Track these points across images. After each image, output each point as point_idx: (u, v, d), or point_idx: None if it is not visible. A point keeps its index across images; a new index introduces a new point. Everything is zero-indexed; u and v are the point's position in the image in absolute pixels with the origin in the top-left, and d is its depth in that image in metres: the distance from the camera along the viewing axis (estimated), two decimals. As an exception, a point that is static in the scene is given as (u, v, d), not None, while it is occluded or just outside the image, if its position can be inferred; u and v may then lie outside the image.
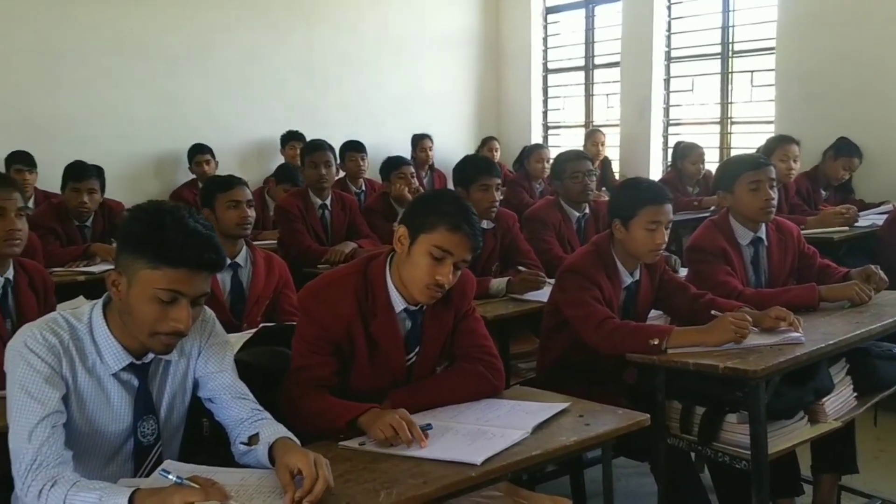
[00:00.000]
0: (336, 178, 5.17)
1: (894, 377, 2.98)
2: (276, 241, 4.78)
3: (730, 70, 6.98)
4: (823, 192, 5.55)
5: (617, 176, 7.30)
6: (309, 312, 2.25)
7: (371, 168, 6.14)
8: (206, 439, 2.16)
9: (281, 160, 6.75)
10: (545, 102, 8.50)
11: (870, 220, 4.98)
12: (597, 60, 8.00)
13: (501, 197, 3.81)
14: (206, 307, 1.95)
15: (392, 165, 5.14)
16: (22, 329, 1.81)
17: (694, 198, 6.00)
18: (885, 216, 4.86)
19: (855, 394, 2.86)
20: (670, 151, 6.86)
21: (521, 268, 3.65)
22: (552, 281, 3.14)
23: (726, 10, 6.87)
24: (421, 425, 1.97)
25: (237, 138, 6.90)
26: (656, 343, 2.57)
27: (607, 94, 7.98)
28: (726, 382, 2.50)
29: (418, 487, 1.74)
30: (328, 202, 4.85)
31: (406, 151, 6.89)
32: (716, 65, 7.04)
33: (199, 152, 6.42)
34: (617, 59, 7.63)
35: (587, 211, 4.20)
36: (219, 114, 6.74)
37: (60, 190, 4.76)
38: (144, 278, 1.75)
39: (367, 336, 2.22)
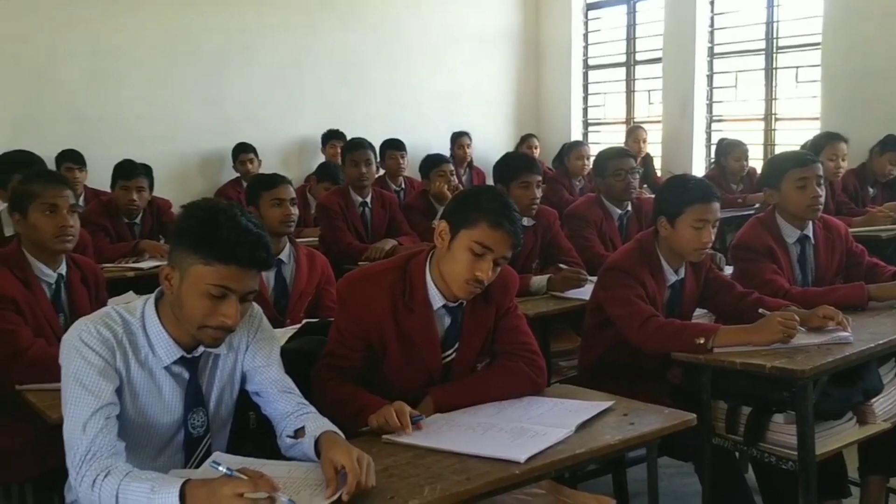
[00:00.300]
0: (376, 176, 5.20)
1: (946, 378, 2.91)
2: (317, 239, 4.82)
3: (774, 66, 6.87)
4: (871, 190, 5.43)
5: (659, 173, 7.23)
6: (344, 302, 2.29)
7: (410, 166, 6.17)
8: (252, 432, 2.21)
9: (322, 159, 6.81)
10: (585, 99, 8.45)
11: (920, 217, 4.86)
12: (638, 56, 7.94)
13: (542, 194, 3.80)
14: (253, 303, 1.98)
15: (432, 163, 5.16)
16: (76, 323, 1.86)
17: (738, 195, 5.93)
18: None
19: (905, 395, 2.80)
20: (713, 148, 6.78)
21: (562, 265, 3.63)
22: (594, 279, 3.12)
23: (771, 5, 6.77)
24: (413, 415, 2.01)
25: (279, 137, 6.98)
26: (702, 342, 2.55)
27: (649, 91, 7.91)
28: (773, 382, 2.47)
29: (462, 483, 1.74)
30: (368, 200, 4.89)
31: (445, 149, 6.90)
32: (760, 60, 6.94)
33: (242, 151, 6.52)
34: (659, 54, 7.56)
35: (629, 208, 4.16)
36: (262, 114, 6.83)
37: (110, 188, 4.85)
38: (196, 274, 1.79)
39: (400, 332, 2.24)
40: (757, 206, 5.58)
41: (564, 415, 2.07)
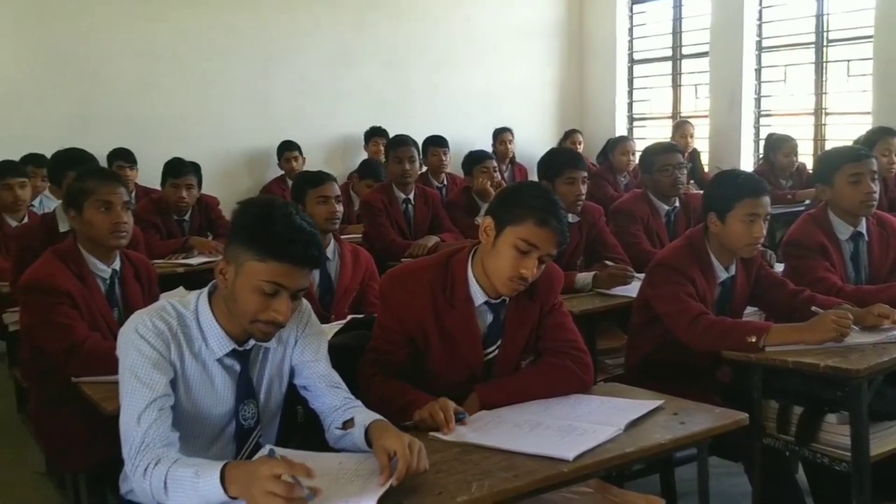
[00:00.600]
0: (419, 172, 5.21)
1: None
2: (360, 236, 4.85)
3: (824, 59, 6.74)
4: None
5: (706, 168, 7.13)
6: (386, 298, 2.30)
7: (452, 162, 6.17)
8: (300, 426, 2.23)
9: (364, 156, 6.84)
10: (630, 94, 8.37)
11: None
12: (684, 50, 7.84)
13: (586, 190, 3.77)
14: (302, 299, 2.00)
15: (474, 160, 5.14)
16: (133, 316, 1.90)
17: (787, 191, 5.83)
18: None
19: (963, 395, 2.73)
20: (761, 143, 6.67)
21: (607, 262, 3.60)
22: (640, 276, 3.09)
23: (821, -2, 6.64)
24: (457, 412, 2.01)
25: (323, 135, 7.04)
26: (754, 340, 2.51)
27: (695, 85, 7.82)
28: (826, 382, 2.43)
29: (509, 481, 1.74)
30: (411, 197, 4.91)
31: (487, 145, 6.90)
32: (810, 54, 6.81)
33: (287, 149, 6.59)
34: (706, 48, 7.46)
35: (677, 204, 4.10)
36: (306, 112, 6.89)
37: (160, 186, 4.94)
38: (250, 269, 1.82)
39: (441, 328, 2.23)
40: (807, 202, 5.49)
41: (613, 413, 2.05)
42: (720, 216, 2.77)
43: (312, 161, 6.55)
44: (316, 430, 2.05)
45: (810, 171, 6.11)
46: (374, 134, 6.95)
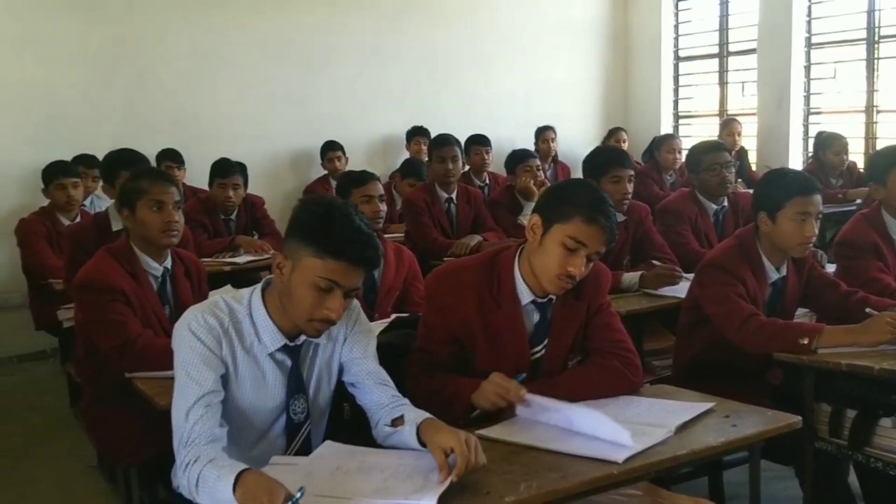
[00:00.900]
0: (462, 171, 5.21)
1: None
2: (402, 235, 4.87)
3: (876, 56, 6.57)
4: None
5: (753, 167, 7.02)
6: (432, 297, 2.30)
7: (494, 161, 6.16)
8: (347, 423, 2.24)
9: (405, 155, 6.87)
10: (676, 91, 8.26)
11: None
12: (731, 47, 7.72)
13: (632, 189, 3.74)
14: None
15: (518, 158, 5.13)
16: (186, 312, 1.94)
17: (838, 190, 5.70)
18: None
19: None
20: (811, 142, 6.55)
21: (655, 262, 3.56)
22: (688, 276, 3.05)
23: (872, -7, 6.49)
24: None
25: (365, 135, 7.07)
26: (806, 342, 2.47)
27: (743, 83, 7.68)
28: (881, 385, 2.38)
29: (558, 481, 1.73)
30: (454, 196, 4.91)
31: (529, 144, 6.85)
32: (860, 50, 6.65)
33: (330, 149, 6.64)
34: (753, 45, 7.33)
35: (725, 204, 4.04)
36: (348, 112, 6.92)
37: (208, 186, 5.02)
38: (307, 265, 1.85)
39: (487, 328, 2.23)
40: (859, 201, 5.37)
41: (663, 415, 2.03)
42: (771, 215, 2.73)
43: (355, 161, 6.58)
44: (363, 427, 2.07)
45: (861, 170, 6.00)
46: (416, 133, 6.96)
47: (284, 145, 6.75)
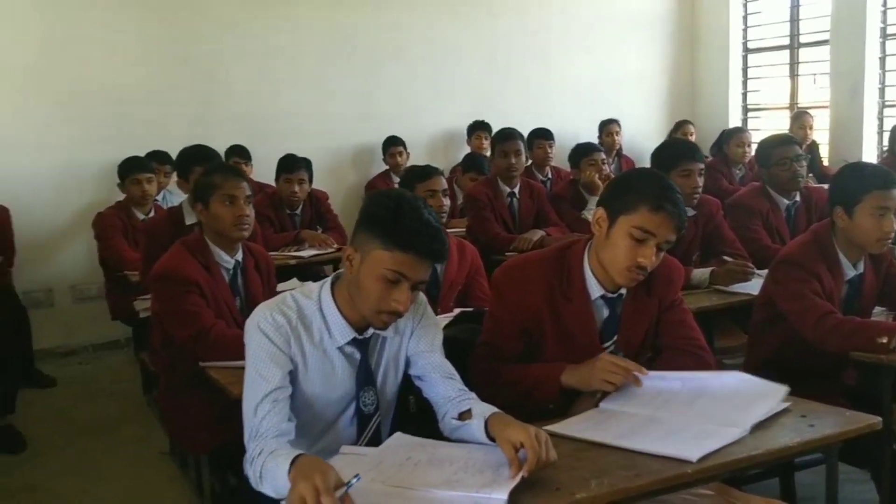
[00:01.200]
0: (524, 166, 5.18)
1: None
2: (464, 229, 4.87)
3: (956, 45, 6.33)
4: None
5: (825, 161, 6.82)
6: (500, 291, 2.29)
7: (556, 155, 6.11)
8: (413, 416, 2.26)
9: (466, 150, 6.86)
10: (745, 84, 8.07)
11: None
12: (803, 39, 7.51)
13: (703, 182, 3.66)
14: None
15: (582, 152, 5.07)
16: (257, 309, 1.98)
17: (915, 185, 5.49)
18: None
19: None
20: (885, 135, 6.32)
21: (726, 258, 3.49)
22: (761, 272, 2.99)
23: (953, -20, 6.24)
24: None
25: (426, 130, 7.09)
26: (885, 341, 2.40)
27: (814, 74, 7.48)
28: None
29: (630, 479, 1.71)
30: (516, 190, 4.88)
31: (593, 137, 6.79)
32: (940, 40, 6.42)
33: (392, 144, 6.68)
34: (826, 36, 7.12)
35: (797, 198, 3.94)
36: (409, 107, 6.95)
37: (274, 181, 5.11)
38: (376, 257, 1.86)
39: (557, 322, 2.21)
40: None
41: (736, 412, 1.97)
42: (847, 210, 2.65)
43: (416, 156, 6.61)
44: (429, 420, 2.08)
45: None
46: (477, 128, 6.95)
47: (347, 141, 6.82)
